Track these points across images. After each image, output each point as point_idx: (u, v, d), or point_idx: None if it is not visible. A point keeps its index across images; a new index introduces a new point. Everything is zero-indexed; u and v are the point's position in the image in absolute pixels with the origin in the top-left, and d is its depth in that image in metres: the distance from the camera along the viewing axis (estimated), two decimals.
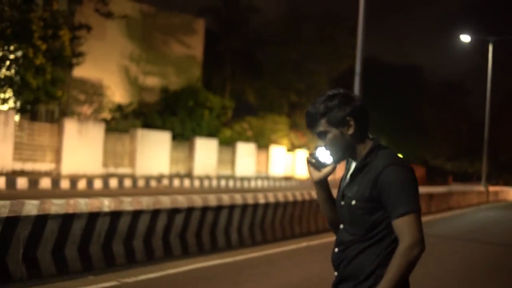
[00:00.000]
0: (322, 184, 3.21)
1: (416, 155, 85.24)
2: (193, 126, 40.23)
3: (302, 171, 51.99)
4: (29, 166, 28.15)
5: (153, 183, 32.52)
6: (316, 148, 3.14)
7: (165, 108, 39.81)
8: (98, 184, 28.58)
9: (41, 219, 8.35)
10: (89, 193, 25.72)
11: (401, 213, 2.91)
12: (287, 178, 48.31)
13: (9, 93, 27.45)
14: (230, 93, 54.70)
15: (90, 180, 28.27)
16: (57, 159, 29.70)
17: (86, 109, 39.75)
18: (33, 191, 24.48)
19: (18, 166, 27.54)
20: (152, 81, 47.99)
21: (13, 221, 7.98)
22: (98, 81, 42.29)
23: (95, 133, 31.58)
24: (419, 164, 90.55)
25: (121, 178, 31.13)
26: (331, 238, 14.55)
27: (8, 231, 7.97)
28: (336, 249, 3.12)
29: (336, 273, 3.11)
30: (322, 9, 62.04)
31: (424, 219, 23.46)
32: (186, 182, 35.28)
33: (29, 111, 29.52)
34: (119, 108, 38.78)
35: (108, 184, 29.33)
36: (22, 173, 27.22)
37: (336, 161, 3.12)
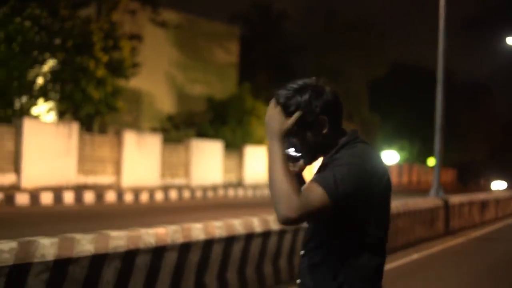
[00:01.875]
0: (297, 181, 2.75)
1: (449, 158, 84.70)
2: (242, 134, 39.90)
3: None
4: (91, 179, 27.82)
5: (209, 194, 32.13)
6: (288, 143, 2.74)
7: (215, 117, 39.49)
8: (159, 196, 28.25)
9: (208, 244, 7.88)
10: (152, 206, 25.40)
11: (314, 179, 2.57)
12: None
13: (67, 105, 27.14)
14: (265, 100, 54.31)
15: (151, 193, 27.93)
16: (117, 171, 29.38)
17: (127, 118, 39.35)
18: (99, 205, 24.18)
19: (82, 179, 27.23)
20: (195, 89, 47.66)
21: (186, 247, 7.53)
22: (147, 91, 41.97)
23: (153, 144, 31.30)
24: (451, 167, 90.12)
25: (179, 189, 30.77)
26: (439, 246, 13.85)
27: (182, 258, 7.51)
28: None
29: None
30: (352, 15, 61.33)
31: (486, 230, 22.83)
32: (240, 192, 34.89)
33: (85, 123, 29.25)
34: (170, 118, 38.45)
35: (168, 196, 28.98)
36: (85, 186, 26.89)
37: (307, 162, 2.81)
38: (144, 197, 27.33)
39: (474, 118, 79.81)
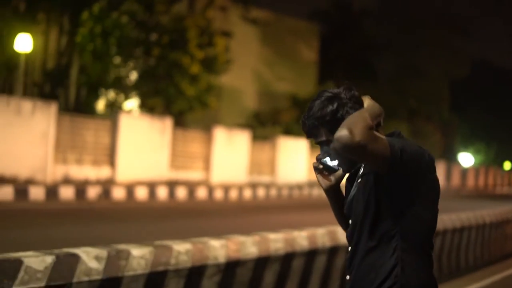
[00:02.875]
0: (334, 192, 2.89)
1: None
2: None
3: (440, 181, 50.43)
4: (182, 175, 28.00)
5: (295, 192, 31.97)
6: (322, 152, 2.78)
7: (300, 115, 39.27)
8: (247, 193, 28.23)
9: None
10: (241, 203, 25.39)
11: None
12: None
13: (159, 101, 27.36)
14: None
15: (240, 190, 27.95)
16: (207, 167, 29.50)
17: (212, 114, 39.48)
18: (191, 201, 24.29)
19: (173, 175, 27.42)
20: (279, 86, 47.57)
21: (333, 251, 7.36)
22: (234, 87, 42.07)
23: (242, 141, 31.34)
24: None
25: (266, 187, 30.72)
26: None
27: (330, 261, 7.36)
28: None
29: None
30: (433, 12, 60.24)
31: None
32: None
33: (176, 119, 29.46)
34: (256, 115, 38.46)
35: (256, 194, 28.94)
36: (177, 182, 27.07)
37: (346, 170, 2.82)
38: (233, 194, 27.36)
39: None
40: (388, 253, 2.64)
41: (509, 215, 14.30)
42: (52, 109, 22.02)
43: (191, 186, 26.06)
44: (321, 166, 2.81)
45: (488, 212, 13.31)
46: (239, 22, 37.57)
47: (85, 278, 4.53)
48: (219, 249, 5.70)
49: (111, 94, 27.45)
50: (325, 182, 2.85)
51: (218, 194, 26.64)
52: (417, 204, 2.66)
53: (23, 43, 22.58)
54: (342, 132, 2.42)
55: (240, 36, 41.46)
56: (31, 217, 15.50)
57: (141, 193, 23.04)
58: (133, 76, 27.17)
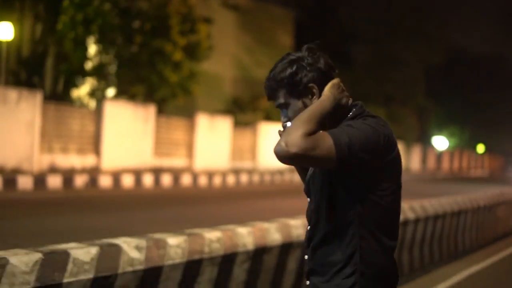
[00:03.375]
0: None
1: (501, 146, 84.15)
2: None
3: (415, 164, 51.24)
4: (166, 162, 27.97)
5: (277, 178, 32.06)
6: (283, 116, 2.73)
7: None
8: (230, 179, 28.29)
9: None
10: (225, 189, 25.44)
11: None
12: None
13: (142, 88, 27.22)
14: None
15: (223, 176, 27.99)
16: (190, 154, 29.50)
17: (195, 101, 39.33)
18: (176, 188, 24.29)
19: (157, 162, 27.39)
20: (256, 73, 47.47)
21: None
22: (213, 73, 41.93)
23: (224, 128, 31.34)
24: (500, 154, 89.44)
25: (249, 173, 30.79)
26: None
27: None
28: None
29: None
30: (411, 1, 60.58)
31: None
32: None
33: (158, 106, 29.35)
34: (235, 101, 38.41)
35: (239, 180, 29.01)
36: (161, 169, 27.04)
37: None
38: (217, 180, 27.40)
39: None
40: (347, 239, 2.60)
41: (500, 198, 14.58)
42: (37, 98, 21.86)
43: (175, 173, 26.05)
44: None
45: (481, 196, 13.53)
46: (219, 8, 37.47)
47: (129, 269, 4.56)
48: (247, 236, 5.76)
49: (92, 82, 27.26)
50: None
51: (202, 181, 26.67)
52: (375, 190, 2.60)
53: (4, 31, 22.34)
54: (278, 146, 2.41)
55: (219, 22, 41.31)
56: (23, 207, 15.43)
57: (127, 181, 23.00)
58: (114, 64, 26.96)
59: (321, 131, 2.49)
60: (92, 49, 27.27)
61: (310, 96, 2.68)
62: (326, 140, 2.44)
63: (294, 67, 2.67)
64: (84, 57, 25.75)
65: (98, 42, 25.40)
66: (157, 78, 26.31)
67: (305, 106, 2.66)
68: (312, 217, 2.75)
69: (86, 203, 17.09)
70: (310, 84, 2.67)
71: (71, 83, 26.55)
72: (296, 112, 2.66)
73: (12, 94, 21.09)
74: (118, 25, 25.52)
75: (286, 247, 6.29)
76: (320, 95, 2.65)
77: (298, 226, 6.63)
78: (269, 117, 37.17)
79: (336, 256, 2.62)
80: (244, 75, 45.91)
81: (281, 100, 2.70)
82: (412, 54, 58.97)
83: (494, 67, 75.97)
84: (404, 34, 58.23)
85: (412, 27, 58.40)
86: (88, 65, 26.32)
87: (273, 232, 6.17)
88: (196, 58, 27.64)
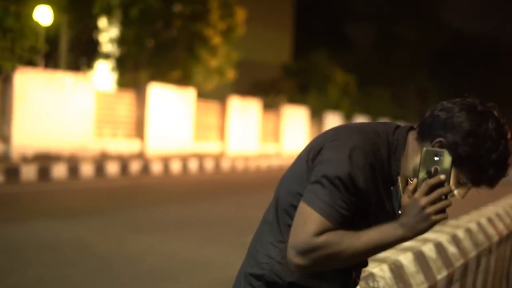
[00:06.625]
0: None
1: None
2: (321, 100, 40.09)
3: None
4: (203, 146, 28.11)
5: None
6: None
7: (300, 84, 39.70)
8: (263, 163, 28.48)
9: None
10: (261, 174, 25.61)
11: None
12: None
13: (178, 73, 27.17)
14: None
15: (256, 160, 28.20)
16: (222, 137, 29.68)
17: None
18: (218, 174, 24.35)
19: (197, 146, 27.53)
20: (255, 56, 46.96)
21: None
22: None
23: (254, 110, 31.53)
24: None
25: (277, 156, 31.07)
26: None
27: None
28: None
29: None
30: None
31: None
32: None
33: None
34: (257, 84, 38.46)
35: (270, 164, 29.27)
36: (200, 154, 27.13)
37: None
38: (252, 164, 27.67)
39: None
40: (275, 239, 2.26)
41: None
42: (91, 83, 21.86)
43: (215, 158, 26.21)
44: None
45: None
46: None
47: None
48: None
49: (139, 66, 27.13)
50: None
51: (239, 164, 26.85)
52: None
53: (43, 15, 22.14)
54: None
55: None
56: (111, 196, 15.54)
57: (175, 167, 23.09)
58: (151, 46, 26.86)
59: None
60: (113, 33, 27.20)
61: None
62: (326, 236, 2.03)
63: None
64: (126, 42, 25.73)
65: (139, 27, 25.31)
66: (195, 63, 26.30)
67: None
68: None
69: (159, 192, 17.19)
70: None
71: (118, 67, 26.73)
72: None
73: (68, 80, 21.03)
74: (159, 9, 25.48)
75: None
76: None
77: None
78: (291, 100, 37.40)
79: (260, 253, 2.30)
80: (245, 58, 45.72)
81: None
82: (415, 35, 59.37)
83: (482, 44, 76.17)
84: (406, 16, 58.60)
85: (414, 8, 58.79)
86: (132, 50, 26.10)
87: None
88: (233, 42, 27.69)
